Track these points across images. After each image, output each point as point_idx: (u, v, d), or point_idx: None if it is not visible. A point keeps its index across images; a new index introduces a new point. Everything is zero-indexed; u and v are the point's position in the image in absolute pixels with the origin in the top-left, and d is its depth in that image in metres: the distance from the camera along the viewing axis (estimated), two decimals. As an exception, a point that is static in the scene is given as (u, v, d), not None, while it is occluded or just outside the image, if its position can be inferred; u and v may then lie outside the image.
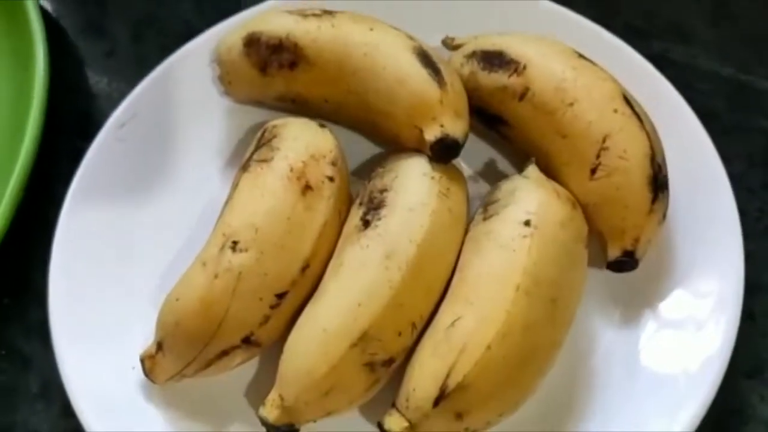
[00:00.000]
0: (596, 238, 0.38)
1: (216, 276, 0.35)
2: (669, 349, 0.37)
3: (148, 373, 0.37)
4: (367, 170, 0.42)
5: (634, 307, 0.39)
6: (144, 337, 0.38)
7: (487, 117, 0.42)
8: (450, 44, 0.44)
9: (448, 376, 0.33)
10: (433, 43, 0.42)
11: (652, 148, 0.37)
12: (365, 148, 0.45)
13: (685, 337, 0.37)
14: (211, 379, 0.37)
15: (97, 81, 0.50)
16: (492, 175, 0.44)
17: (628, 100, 0.38)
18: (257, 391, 0.38)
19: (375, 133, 0.43)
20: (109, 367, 0.38)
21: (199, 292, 0.35)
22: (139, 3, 0.53)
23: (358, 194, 0.40)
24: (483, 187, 0.42)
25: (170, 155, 0.45)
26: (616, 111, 0.38)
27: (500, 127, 0.42)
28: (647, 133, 0.38)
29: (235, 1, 0.52)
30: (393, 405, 0.35)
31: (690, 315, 0.38)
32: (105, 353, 0.38)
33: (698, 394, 0.35)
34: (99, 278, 0.41)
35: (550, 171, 0.39)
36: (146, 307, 0.40)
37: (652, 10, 0.51)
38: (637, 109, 0.38)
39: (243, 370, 0.38)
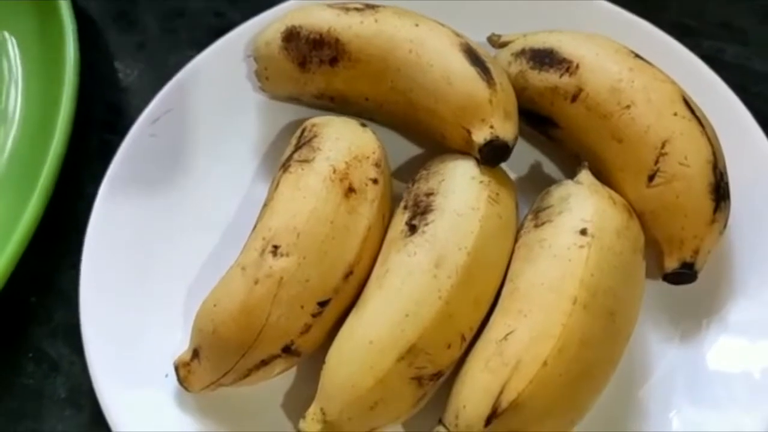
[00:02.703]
0: (651, 248, 0.36)
1: (256, 282, 0.33)
2: (731, 362, 0.36)
3: (182, 381, 0.35)
4: (407, 171, 0.41)
5: (692, 321, 0.37)
6: (177, 342, 0.37)
7: (536, 118, 0.40)
8: (496, 42, 0.42)
9: (501, 393, 0.31)
10: (476, 39, 0.40)
11: (714, 154, 0.36)
12: (404, 148, 0.43)
13: (748, 349, 0.36)
14: (247, 389, 0.36)
15: (128, 74, 0.49)
16: (538, 179, 0.42)
17: (688, 103, 0.37)
18: (295, 401, 0.36)
19: (418, 133, 0.42)
20: (141, 374, 0.37)
21: (239, 298, 0.33)
22: (170, -6, 0.51)
23: (400, 197, 0.38)
24: (528, 190, 0.40)
25: (204, 151, 0.43)
26: (676, 114, 0.36)
27: (549, 129, 0.40)
28: (709, 139, 0.36)
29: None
30: (440, 421, 0.33)
31: (751, 324, 0.36)
32: (137, 359, 0.37)
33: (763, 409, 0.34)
34: (131, 279, 0.39)
35: (603, 176, 0.37)
36: (180, 309, 0.39)
37: (702, 7, 0.49)
38: (697, 112, 0.37)
39: (280, 379, 0.36)
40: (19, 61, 0.47)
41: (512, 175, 0.41)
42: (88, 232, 0.40)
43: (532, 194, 0.39)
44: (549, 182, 0.40)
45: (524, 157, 0.42)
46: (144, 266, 0.40)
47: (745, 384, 0.35)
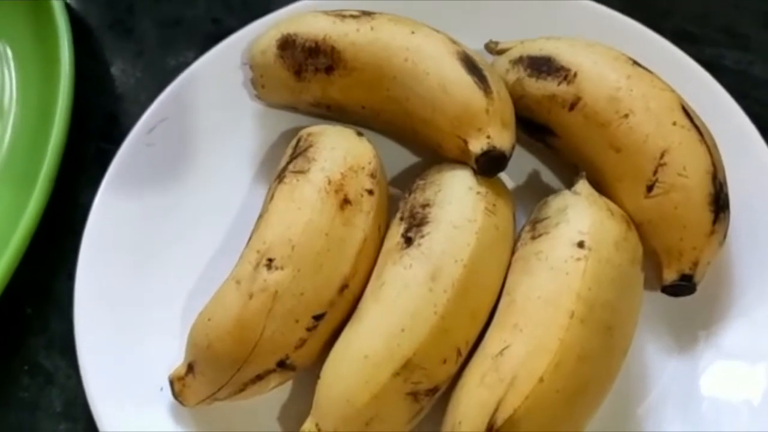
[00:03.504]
0: (649, 259, 0.36)
1: (251, 296, 0.33)
2: (729, 381, 0.35)
3: (177, 395, 0.35)
4: (404, 179, 0.41)
5: (690, 333, 0.37)
6: (173, 353, 0.36)
7: (533, 127, 0.40)
8: (493, 49, 0.42)
9: (497, 409, 0.31)
10: (474, 47, 0.40)
11: (713, 164, 0.35)
12: (401, 155, 0.43)
13: (746, 366, 0.35)
14: (242, 403, 0.35)
15: (124, 81, 0.48)
16: (535, 187, 0.41)
17: (687, 112, 0.36)
18: (291, 416, 0.36)
19: (414, 142, 0.41)
20: (136, 387, 0.36)
21: (233, 312, 0.33)
22: (167, 2, 0.51)
23: (396, 205, 0.38)
24: (525, 199, 0.40)
25: (200, 160, 0.43)
26: (675, 123, 0.36)
27: (547, 137, 0.40)
28: (708, 148, 0.35)
29: (265, 1, 0.50)
30: (436, 437, 0.33)
31: (751, 342, 0.36)
32: (132, 372, 0.37)
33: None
34: (126, 289, 0.39)
35: (600, 186, 0.37)
36: (176, 320, 0.39)
37: (704, 12, 0.48)
38: (696, 121, 0.36)
39: (276, 393, 0.36)
40: (14, 70, 0.47)
41: (509, 184, 0.40)
42: (83, 242, 0.40)
43: (529, 203, 0.39)
44: (546, 191, 0.40)
45: (521, 165, 0.42)
46: (140, 276, 0.39)
47: (744, 404, 0.35)
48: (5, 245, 0.39)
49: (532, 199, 0.39)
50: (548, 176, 0.42)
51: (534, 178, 0.42)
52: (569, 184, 0.38)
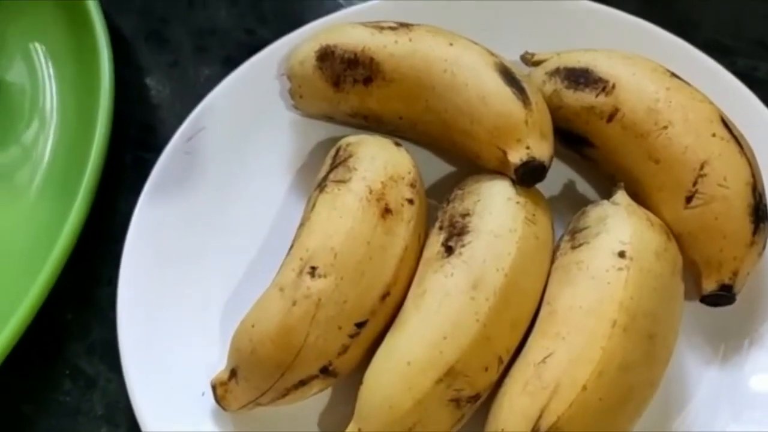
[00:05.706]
0: (689, 270, 0.36)
1: (294, 303, 0.33)
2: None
3: (219, 400, 0.35)
4: (441, 190, 0.41)
5: (730, 343, 0.37)
6: (214, 359, 0.37)
7: (571, 138, 0.40)
8: (529, 60, 0.42)
9: (540, 416, 0.31)
10: (509, 59, 0.40)
11: (753, 175, 0.35)
12: (437, 166, 0.43)
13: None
14: (284, 408, 0.36)
15: (160, 91, 0.49)
16: (571, 199, 0.42)
17: (726, 123, 0.36)
18: (332, 421, 0.36)
19: (451, 152, 0.42)
20: (178, 392, 0.37)
21: (277, 319, 0.33)
22: (201, 13, 0.52)
23: (434, 216, 0.38)
24: (561, 210, 0.40)
25: (237, 169, 0.43)
26: (714, 135, 0.36)
27: (584, 148, 0.40)
28: (748, 160, 0.36)
29: (299, 12, 0.51)
30: (478, 444, 0.33)
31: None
32: (174, 376, 0.37)
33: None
34: (167, 296, 0.39)
35: (639, 197, 0.37)
36: (216, 326, 0.39)
37: (736, 24, 0.49)
38: (735, 133, 0.36)
39: (317, 398, 0.36)
40: (55, 81, 0.48)
41: (545, 194, 0.40)
42: (125, 249, 0.40)
43: (564, 214, 0.39)
44: (582, 202, 0.40)
45: (557, 176, 0.42)
46: (180, 283, 0.40)
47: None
48: (48, 254, 0.40)
49: (567, 209, 0.39)
50: (583, 187, 0.42)
51: (570, 188, 0.42)
52: (604, 195, 0.38)
